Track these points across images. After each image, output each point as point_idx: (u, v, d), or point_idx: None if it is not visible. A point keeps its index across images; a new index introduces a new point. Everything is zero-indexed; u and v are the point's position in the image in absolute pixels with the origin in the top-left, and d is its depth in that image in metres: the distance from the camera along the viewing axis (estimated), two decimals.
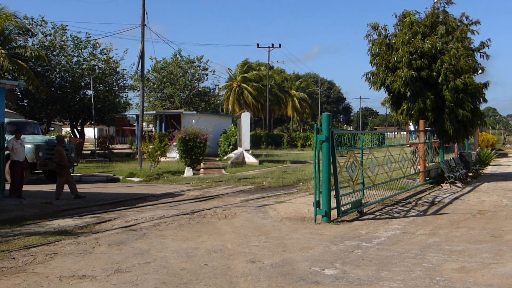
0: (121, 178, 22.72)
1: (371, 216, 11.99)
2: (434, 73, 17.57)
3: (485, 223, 11.00)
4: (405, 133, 19.53)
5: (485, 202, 14.23)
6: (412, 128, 25.64)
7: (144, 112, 33.30)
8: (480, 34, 18.50)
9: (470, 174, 21.01)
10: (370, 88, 19.49)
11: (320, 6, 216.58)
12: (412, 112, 17.87)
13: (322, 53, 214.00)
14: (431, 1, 20.29)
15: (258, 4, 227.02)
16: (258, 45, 62.63)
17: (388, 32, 19.03)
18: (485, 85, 18.58)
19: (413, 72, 17.22)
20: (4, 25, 32.53)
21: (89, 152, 41.02)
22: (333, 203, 11.10)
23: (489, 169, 26.00)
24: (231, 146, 33.27)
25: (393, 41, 18.19)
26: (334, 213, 11.18)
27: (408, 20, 18.35)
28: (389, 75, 18.04)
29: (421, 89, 17.67)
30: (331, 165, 10.99)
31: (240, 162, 29.61)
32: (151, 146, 24.75)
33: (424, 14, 18.80)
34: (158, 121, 38.26)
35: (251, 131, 36.06)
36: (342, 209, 11.37)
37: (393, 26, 19.21)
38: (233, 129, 34.81)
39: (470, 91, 17.59)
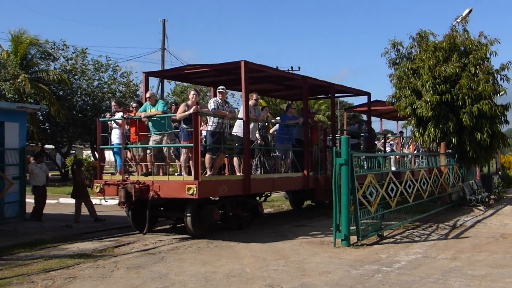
0: None
1: (391, 239, 11.84)
2: (454, 97, 17.49)
3: (508, 247, 10.79)
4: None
5: (508, 226, 13.97)
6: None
7: None
8: (503, 47, 18.32)
9: (492, 197, 20.69)
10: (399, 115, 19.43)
11: (347, 29, 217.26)
12: (437, 135, 17.73)
13: (351, 75, 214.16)
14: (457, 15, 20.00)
15: (285, 28, 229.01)
16: (277, 68, 62.55)
17: (406, 51, 18.99)
18: (506, 107, 18.37)
19: (437, 97, 17.16)
20: (27, 49, 33.26)
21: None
22: (353, 227, 10.99)
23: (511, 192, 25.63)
24: None
25: (416, 66, 18.10)
26: (353, 237, 11.06)
27: (432, 45, 18.24)
28: (414, 98, 17.95)
29: (445, 112, 17.57)
30: (351, 188, 10.91)
31: None
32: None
33: (443, 36, 18.68)
34: None
35: None
36: (362, 232, 11.24)
37: (410, 47, 19.07)
38: None
39: (489, 116, 17.42)
